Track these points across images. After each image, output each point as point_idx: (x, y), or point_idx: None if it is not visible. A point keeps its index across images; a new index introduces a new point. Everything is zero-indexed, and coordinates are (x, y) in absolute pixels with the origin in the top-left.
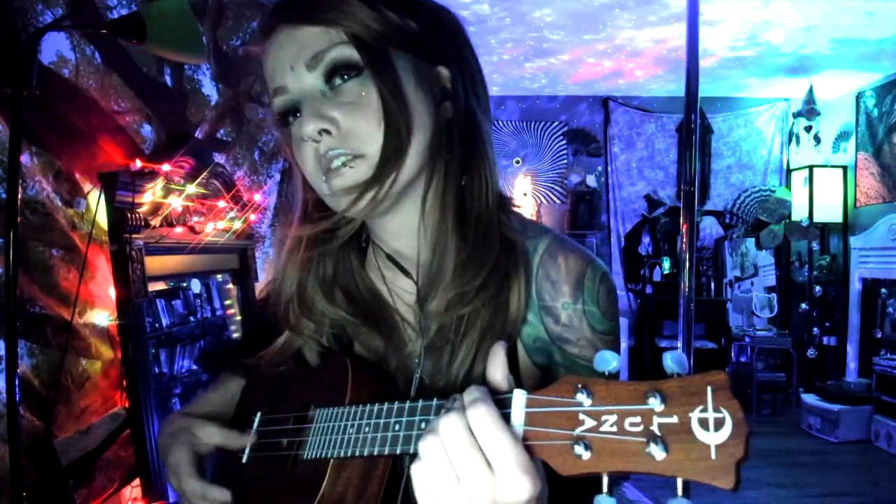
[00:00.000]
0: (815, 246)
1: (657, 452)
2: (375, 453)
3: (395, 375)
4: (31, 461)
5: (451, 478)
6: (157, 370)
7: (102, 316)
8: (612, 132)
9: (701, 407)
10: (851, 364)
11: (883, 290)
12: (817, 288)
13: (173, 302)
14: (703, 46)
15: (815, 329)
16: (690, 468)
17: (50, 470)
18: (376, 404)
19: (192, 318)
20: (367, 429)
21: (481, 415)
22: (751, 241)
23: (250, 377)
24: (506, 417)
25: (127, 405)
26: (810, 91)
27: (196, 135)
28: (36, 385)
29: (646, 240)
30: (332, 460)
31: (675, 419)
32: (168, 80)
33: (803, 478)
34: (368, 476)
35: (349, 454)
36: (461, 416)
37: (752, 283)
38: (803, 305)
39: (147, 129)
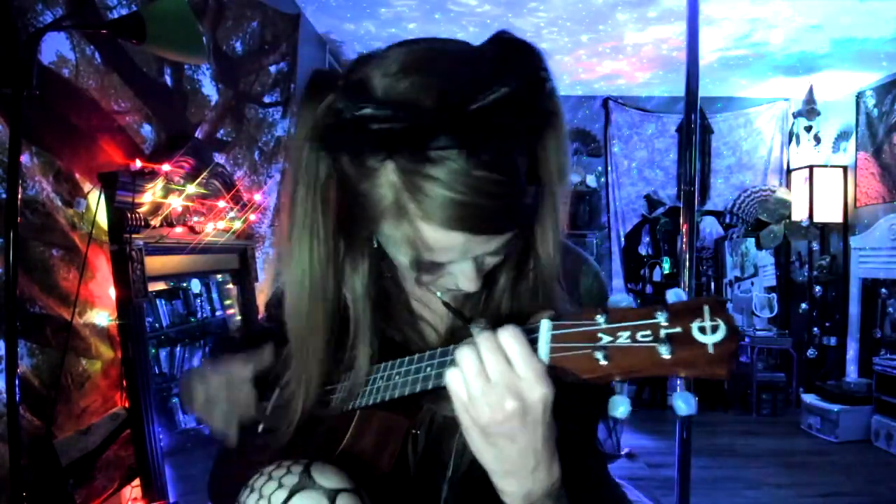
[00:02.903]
0: (815, 246)
1: (665, 353)
2: (407, 393)
3: None
4: (31, 461)
5: (483, 378)
6: (157, 370)
7: (102, 316)
8: (612, 132)
9: (700, 320)
10: (851, 364)
11: (883, 290)
12: (817, 288)
13: (173, 302)
14: (702, 46)
15: (815, 329)
16: (692, 363)
17: (50, 470)
18: (406, 356)
19: (192, 318)
20: (396, 377)
21: (510, 333)
22: (751, 241)
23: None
24: (534, 342)
25: (127, 405)
26: (810, 91)
27: (196, 135)
28: (36, 385)
29: (646, 240)
30: (357, 412)
31: (678, 329)
32: (168, 80)
33: (803, 478)
34: (387, 435)
35: (376, 401)
36: (493, 334)
37: (752, 283)
38: (803, 305)
39: (147, 129)
